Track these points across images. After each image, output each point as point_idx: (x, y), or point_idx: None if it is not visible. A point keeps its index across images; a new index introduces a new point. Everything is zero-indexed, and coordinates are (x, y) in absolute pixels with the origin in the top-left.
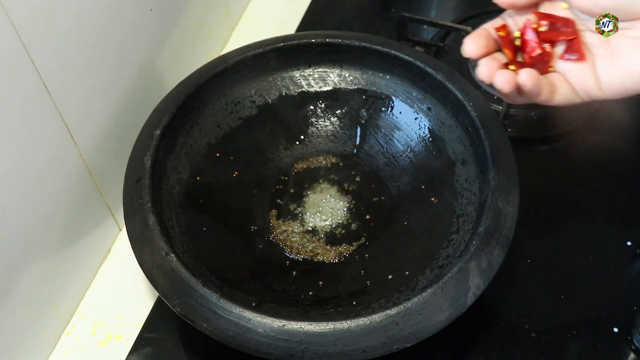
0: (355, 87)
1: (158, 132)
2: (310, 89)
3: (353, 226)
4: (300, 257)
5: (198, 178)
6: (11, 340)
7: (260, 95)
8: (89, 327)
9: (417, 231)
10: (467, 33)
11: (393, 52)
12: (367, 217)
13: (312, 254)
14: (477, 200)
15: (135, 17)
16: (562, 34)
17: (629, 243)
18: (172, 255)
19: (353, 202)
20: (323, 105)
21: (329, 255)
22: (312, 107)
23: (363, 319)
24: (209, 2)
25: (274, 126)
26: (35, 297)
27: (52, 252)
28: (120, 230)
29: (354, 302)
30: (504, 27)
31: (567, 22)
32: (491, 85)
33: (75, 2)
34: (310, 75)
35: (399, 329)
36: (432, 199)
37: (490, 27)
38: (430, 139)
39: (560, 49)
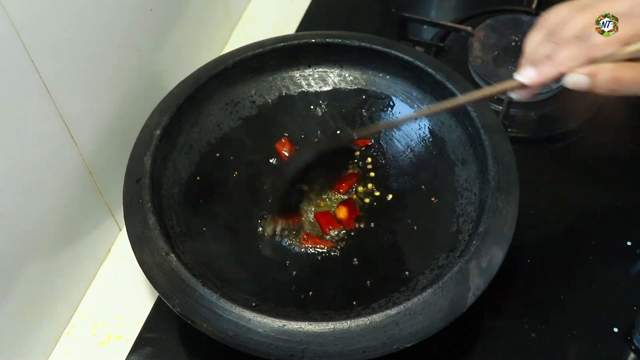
0: (355, 87)
1: (158, 132)
2: (310, 89)
3: (353, 226)
4: (300, 257)
5: (198, 178)
6: (11, 340)
7: (260, 95)
8: (89, 327)
9: (417, 231)
10: (467, 33)
11: (393, 52)
12: (367, 217)
13: (312, 253)
14: (477, 200)
15: (135, 17)
16: None
17: (629, 243)
18: (172, 255)
19: (353, 202)
20: (323, 105)
21: (329, 255)
22: (312, 107)
23: (363, 319)
24: (209, 2)
25: (274, 126)
26: (35, 297)
27: (52, 252)
28: (120, 230)
29: (354, 302)
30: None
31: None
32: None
33: (75, 2)
34: (310, 75)
35: (399, 329)
36: (432, 199)
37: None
38: (430, 139)
39: None
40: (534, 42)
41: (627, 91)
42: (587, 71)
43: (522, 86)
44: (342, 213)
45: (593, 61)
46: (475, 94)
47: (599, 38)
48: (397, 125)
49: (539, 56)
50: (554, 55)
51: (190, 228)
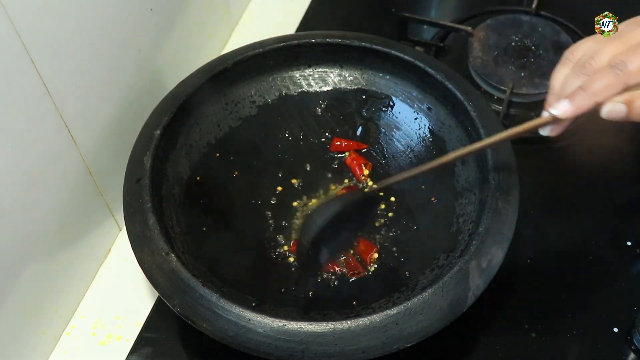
0: (355, 87)
1: (158, 132)
2: (310, 89)
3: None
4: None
5: (198, 178)
6: (11, 340)
7: (260, 95)
8: (89, 327)
9: (417, 231)
10: (467, 33)
11: (393, 52)
12: (367, 216)
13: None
14: (477, 200)
15: (135, 17)
16: None
17: (629, 243)
18: (172, 255)
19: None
20: (323, 105)
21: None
22: (312, 107)
23: (363, 319)
24: (209, 2)
25: (274, 126)
26: (35, 297)
27: (52, 252)
28: (120, 230)
29: (354, 302)
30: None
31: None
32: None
33: (75, 3)
34: (310, 75)
35: (399, 329)
36: (432, 199)
37: None
38: (430, 139)
39: None
40: (562, 75)
41: None
42: (624, 99)
43: (554, 120)
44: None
45: (629, 89)
46: (505, 134)
47: (634, 65)
48: (417, 175)
49: (570, 89)
50: (588, 86)
51: (190, 228)
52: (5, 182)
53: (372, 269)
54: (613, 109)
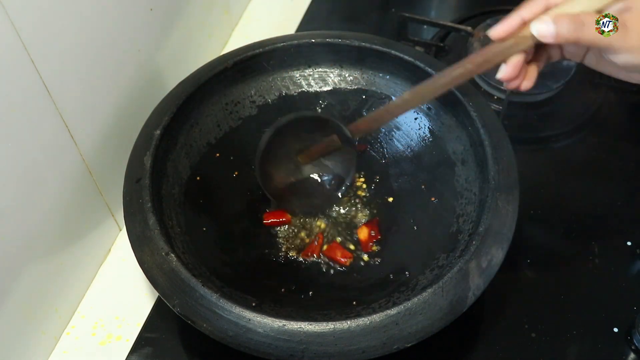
0: (355, 87)
1: (158, 132)
2: (310, 89)
3: (353, 226)
4: (300, 257)
5: (198, 178)
6: (11, 340)
7: (260, 95)
8: (89, 327)
9: (417, 231)
10: (467, 33)
11: (393, 52)
12: (367, 217)
13: (312, 253)
14: (477, 200)
15: (135, 17)
16: None
17: (629, 243)
18: (172, 255)
19: (353, 202)
20: (323, 105)
21: (329, 255)
22: (312, 107)
23: (363, 319)
24: (209, 2)
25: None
26: (35, 297)
27: (52, 252)
28: (120, 230)
29: (354, 302)
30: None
31: None
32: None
33: (75, 3)
34: (310, 75)
35: (399, 329)
36: (432, 199)
37: None
38: (430, 139)
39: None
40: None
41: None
42: (550, 16)
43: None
44: (363, 234)
45: (550, 8)
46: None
47: None
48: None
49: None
50: (517, 8)
51: (190, 228)
52: (5, 182)
53: (366, 258)
54: (540, 26)
